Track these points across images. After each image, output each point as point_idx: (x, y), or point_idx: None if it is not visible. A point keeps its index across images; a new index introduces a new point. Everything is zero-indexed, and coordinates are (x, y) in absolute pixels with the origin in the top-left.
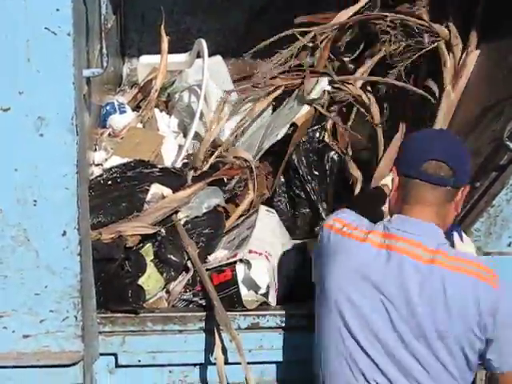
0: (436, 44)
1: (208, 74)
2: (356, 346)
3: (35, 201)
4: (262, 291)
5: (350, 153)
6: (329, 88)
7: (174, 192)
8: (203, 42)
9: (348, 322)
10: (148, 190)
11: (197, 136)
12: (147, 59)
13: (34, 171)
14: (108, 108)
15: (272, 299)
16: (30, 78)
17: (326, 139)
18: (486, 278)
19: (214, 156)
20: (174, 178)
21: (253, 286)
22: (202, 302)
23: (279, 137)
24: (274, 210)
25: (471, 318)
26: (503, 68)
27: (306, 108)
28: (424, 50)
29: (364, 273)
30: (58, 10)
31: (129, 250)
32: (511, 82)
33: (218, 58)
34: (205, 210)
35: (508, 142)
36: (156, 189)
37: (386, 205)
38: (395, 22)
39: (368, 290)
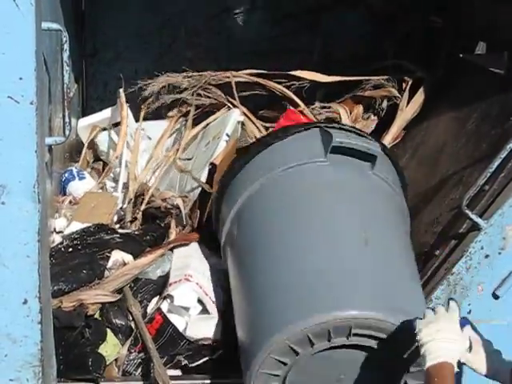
0: None
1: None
2: None
3: None
4: (196, 309)
5: None
6: (242, 119)
7: (134, 258)
8: (121, 91)
9: None
10: (109, 257)
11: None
12: (86, 121)
13: None
14: (67, 175)
15: (212, 310)
16: None
17: None
18: None
19: (144, 203)
20: (134, 243)
21: (180, 311)
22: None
23: (202, 180)
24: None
25: None
26: (462, 136)
27: (222, 145)
28: None
29: None
30: (21, 78)
31: (89, 317)
32: (470, 150)
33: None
34: (158, 275)
35: (467, 211)
36: (117, 255)
37: None
38: None
39: None
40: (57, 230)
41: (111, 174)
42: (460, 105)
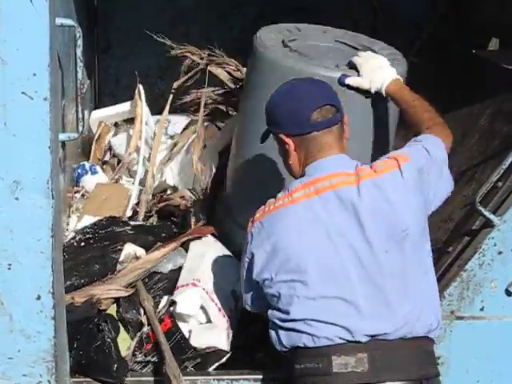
0: None
1: (147, 118)
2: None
3: (10, 264)
4: (199, 317)
5: None
6: None
7: (146, 251)
8: (140, 87)
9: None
10: (121, 250)
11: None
12: (99, 113)
13: (8, 235)
14: (79, 170)
15: (216, 318)
16: (7, 142)
17: None
18: (403, 160)
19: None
20: (146, 236)
21: (184, 317)
22: (155, 359)
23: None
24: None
25: (413, 195)
26: (475, 132)
27: None
28: None
29: (313, 228)
30: (34, 74)
31: (102, 312)
32: (483, 146)
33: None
34: (170, 269)
35: (480, 207)
36: (129, 249)
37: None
38: None
39: (326, 242)
40: (70, 228)
41: (126, 170)
42: (473, 101)
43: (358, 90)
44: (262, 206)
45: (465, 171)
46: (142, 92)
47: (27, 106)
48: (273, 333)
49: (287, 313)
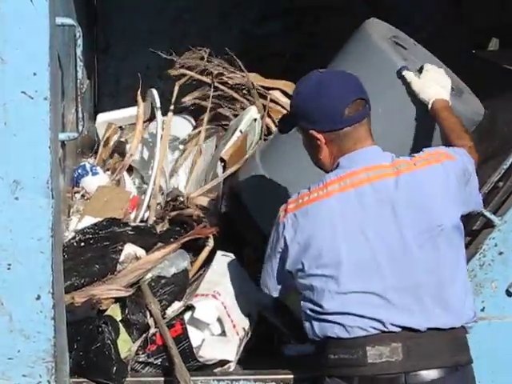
0: None
1: (161, 123)
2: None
3: (9, 264)
4: (215, 328)
5: None
6: (258, 116)
7: (147, 251)
8: (154, 91)
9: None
10: (121, 251)
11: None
12: (104, 117)
13: (8, 235)
14: (80, 171)
15: (230, 333)
16: (7, 142)
17: None
18: (448, 157)
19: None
20: (146, 237)
21: (199, 324)
22: (158, 361)
23: (221, 178)
24: (231, 254)
25: (452, 192)
26: (475, 133)
27: (233, 140)
28: None
29: (347, 222)
30: (35, 74)
31: (102, 312)
32: (483, 147)
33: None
34: (173, 272)
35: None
36: (129, 249)
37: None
38: None
39: (359, 236)
40: (70, 229)
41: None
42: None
43: (408, 88)
44: (295, 196)
45: None
46: (157, 96)
47: (27, 106)
48: (306, 323)
49: (320, 306)
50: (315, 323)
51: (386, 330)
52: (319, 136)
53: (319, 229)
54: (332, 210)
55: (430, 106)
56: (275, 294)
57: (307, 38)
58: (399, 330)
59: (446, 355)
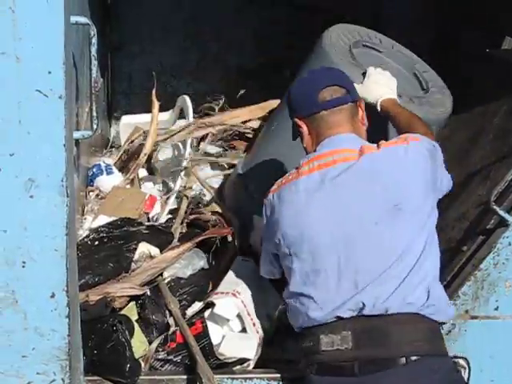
0: None
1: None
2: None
3: (24, 262)
4: (235, 324)
5: None
6: None
7: (161, 251)
8: (187, 98)
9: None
10: (135, 249)
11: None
12: (129, 119)
13: (23, 233)
14: (95, 170)
15: (251, 330)
16: (21, 140)
17: None
18: (412, 138)
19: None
20: (160, 236)
21: (220, 320)
22: (178, 359)
23: None
24: (250, 259)
25: (413, 172)
26: (489, 131)
27: None
28: None
29: (309, 202)
30: (49, 72)
31: (116, 311)
32: (497, 145)
33: None
34: (190, 273)
35: (495, 206)
36: (143, 248)
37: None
38: None
39: (319, 215)
40: (85, 227)
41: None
42: (487, 100)
43: None
44: (280, 179)
45: (479, 170)
46: (189, 102)
47: (42, 104)
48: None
49: (287, 287)
50: (289, 313)
51: (333, 315)
52: (300, 123)
53: (285, 208)
54: (298, 191)
55: (378, 107)
56: (278, 276)
57: None
58: (348, 314)
59: (395, 344)
